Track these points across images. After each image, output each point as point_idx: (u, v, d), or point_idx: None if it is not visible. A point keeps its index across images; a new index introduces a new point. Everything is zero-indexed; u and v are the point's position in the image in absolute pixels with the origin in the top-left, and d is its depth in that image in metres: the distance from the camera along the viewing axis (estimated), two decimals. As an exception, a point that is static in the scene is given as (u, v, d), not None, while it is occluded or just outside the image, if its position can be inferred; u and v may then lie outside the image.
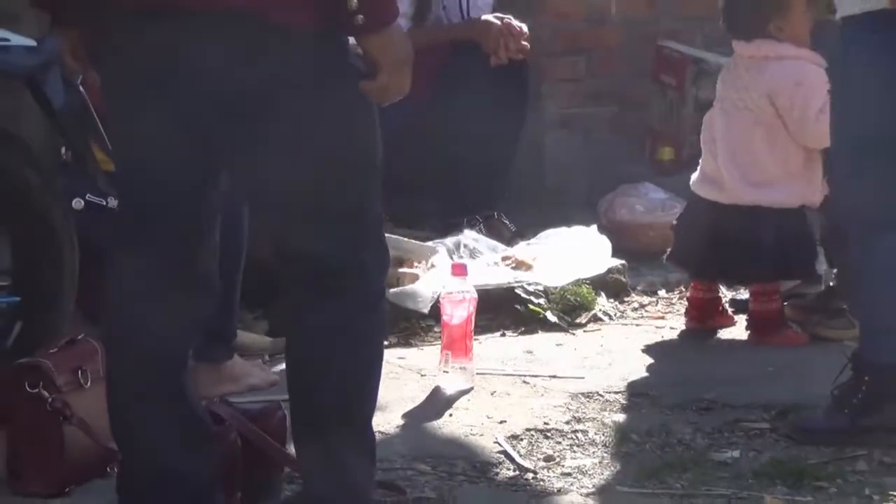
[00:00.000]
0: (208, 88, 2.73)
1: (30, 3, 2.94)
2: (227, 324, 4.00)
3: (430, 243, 4.85)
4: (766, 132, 4.43)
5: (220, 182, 2.96)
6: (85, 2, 2.83)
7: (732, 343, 4.62)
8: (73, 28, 2.94)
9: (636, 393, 4.12)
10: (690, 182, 4.69)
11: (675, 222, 4.80)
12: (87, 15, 2.87)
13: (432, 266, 4.71)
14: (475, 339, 4.25)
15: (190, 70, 2.73)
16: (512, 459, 3.65)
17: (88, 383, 3.45)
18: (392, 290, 4.51)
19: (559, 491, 3.48)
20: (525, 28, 5.19)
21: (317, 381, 2.89)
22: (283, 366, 4.08)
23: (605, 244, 5.07)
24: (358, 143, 2.84)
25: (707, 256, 4.42)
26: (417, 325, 4.57)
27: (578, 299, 4.82)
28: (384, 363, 2.98)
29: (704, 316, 4.59)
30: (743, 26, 4.51)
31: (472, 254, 4.77)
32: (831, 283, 4.66)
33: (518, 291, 4.74)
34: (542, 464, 3.63)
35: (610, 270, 5.00)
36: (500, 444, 3.74)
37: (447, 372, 4.13)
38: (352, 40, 2.77)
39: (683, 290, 5.13)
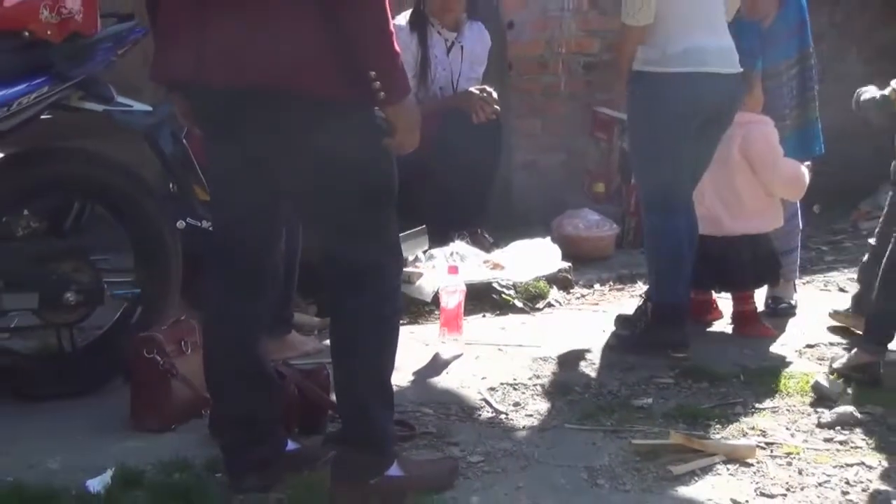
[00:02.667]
0: (277, 146, 2.77)
1: (150, 78, 2.96)
2: (287, 308, 4.01)
3: (431, 251, 4.88)
4: (743, 179, 4.30)
5: (282, 208, 3.00)
6: (186, 79, 2.83)
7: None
8: (181, 96, 2.97)
9: (578, 357, 4.11)
10: None
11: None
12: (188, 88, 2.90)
13: (433, 267, 4.74)
14: (464, 319, 4.26)
15: (263, 132, 2.76)
16: (490, 405, 3.66)
17: (189, 350, 3.48)
18: (404, 284, 4.54)
19: (523, 428, 3.49)
20: (495, 95, 5.19)
21: (353, 350, 2.91)
22: (328, 339, 4.14)
23: (556, 251, 5.05)
24: (379, 181, 2.86)
25: (702, 272, 4.26)
26: (423, 309, 4.55)
27: (537, 290, 4.81)
28: (399, 337, 3.00)
29: (702, 312, 4.50)
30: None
31: (462, 258, 4.76)
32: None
33: (494, 285, 4.73)
34: (511, 408, 3.64)
35: (560, 270, 4.98)
36: (481, 393, 3.75)
37: (444, 343, 4.14)
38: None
39: (612, 285, 5.16)
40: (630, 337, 4.20)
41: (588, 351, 4.18)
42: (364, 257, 2.87)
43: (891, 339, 3.86)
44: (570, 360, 4.04)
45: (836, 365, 3.89)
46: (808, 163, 4.41)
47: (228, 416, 3.04)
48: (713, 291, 4.54)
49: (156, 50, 2.91)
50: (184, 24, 2.78)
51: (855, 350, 3.88)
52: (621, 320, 4.31)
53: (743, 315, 4.44)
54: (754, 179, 4.30)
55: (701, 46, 3.97)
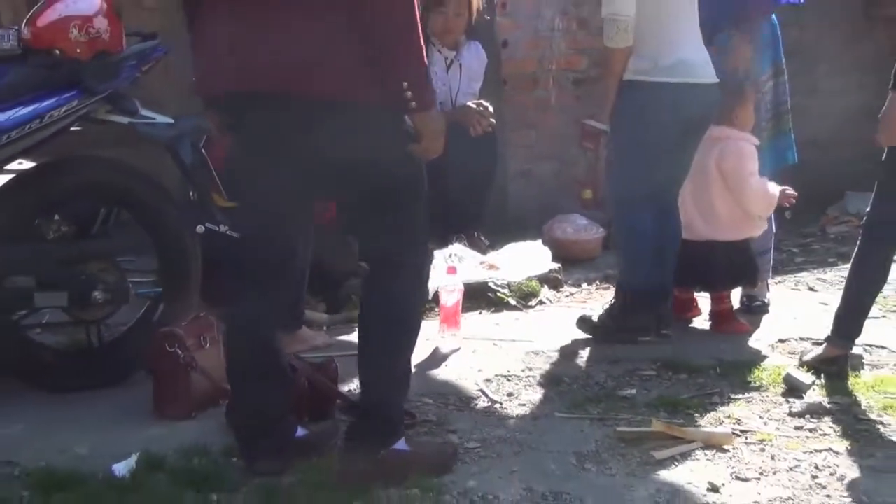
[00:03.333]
0: (316, 150, 2.80)
1: (195, 91, 2.96)
2: (299, 305, 4.00)
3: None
4: (717, 190, 4.28)
5: (310, 211, 3.04)
6: (232, 88, 2.84)
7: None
8: (217, 109, 3.02)
9: (568, 351, 4.11)
10: None
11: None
12: (225, 100, 2.91)
13: (433, 268, 4.71)
14: (462, 316, 4.27)
15: (303, 137, 2.79)
16: (486, 395, 3.65)
17: (207, 345, 3.48)
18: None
19: (517, 416, 3.49)
20: (491, 109, 5.18)
21: (382, 334, 2.95)
22: (337, 335, 4.15)
23: (547, 253, 5.06)
24: (410, 182, 2.93)
25: (684, 273, 4.28)
26: (423, 307, 4.54)
27: (530, 289, 4.81)
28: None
29: (683, 310, 4.48)
30: (717, 116, 4.21)
31: (460, 260, 4.76)
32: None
33: (490, 284, 4.73)
34: (505, 398, 3.64)
35: (550, 270, 4.98)
36: (478, 384, 3.74)
37: (443, 337, 4.15)
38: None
39: (599, 284, 5.16)
40: (602, 326, 4.20)
41: (577, 345, 4.18)
42: (398, 249, 2.93)
43: (858, 334, 3.86)
44: (560, 354, 4.04)
45: (805, 358, 3.88)
46: (786, 188, 4.36)
47: (246, 405, 3.05)
48: (694, 291, 4.54)
49: (197, 64, 2.92)
50: (228, 37, 2.78)
51: (825, 345, 3.88)
52: (582, 320, 4.30)
53: (720, 313, 4.43)
54: (727, 192, 4.29)
55: (689, 59, 4.02)
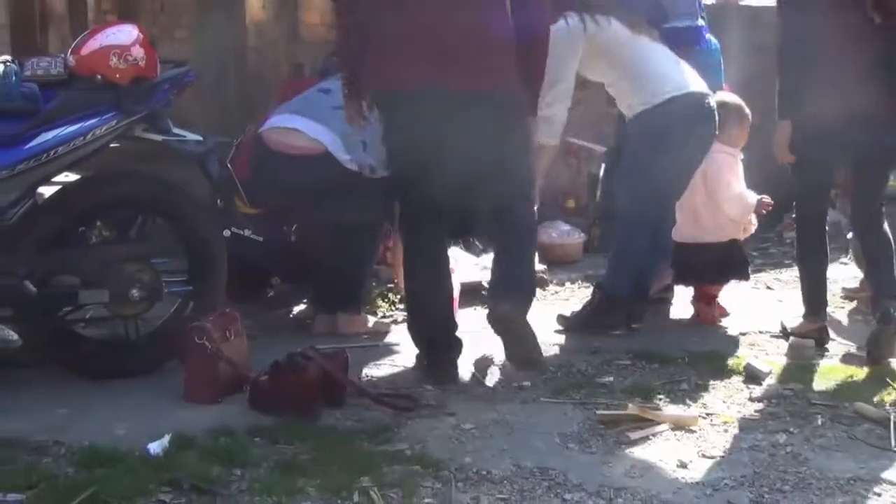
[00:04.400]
0: (479, 137, 3.44)
1: (373, 86, 3.44)
2: (361, 288, 4.17)
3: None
4: (700, 198, 4.29)
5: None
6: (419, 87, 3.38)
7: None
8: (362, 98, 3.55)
9: (552, 342, 4.10)
10: None
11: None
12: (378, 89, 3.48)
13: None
14: (459, 311, 4.21)
15: (472, 127, 3.41)
16: (480, 382, 3.65)
17: (232, 337, 3.48)
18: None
19: (507, 401, 3.48)
20: None
21: (514, 259, 3.66)
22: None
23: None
24: (526, 148, 3.64)
25: (680, 270, 4.36)
26: None
27: (519, 288, 4.80)
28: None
29: (706, 305, 4.44)
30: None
31: (457, 262, 4.75)
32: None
33: (484, 283, 4.66)
34: (498, 384, 3.64)
35: (537, 271, 4.94)
36: (473, 372, 3.73)
37: None
38: None
39: (580, 283, 5.14)
40: (577, 318, 4.20)
41: (560, 337, 4.17)
42: (515, 197, 3.62)
43: (825, 307, 3.98)
44: (545, 345, 4.02)
45: (789, 327, 3.99)
46: (763, 196, 4.38)
47: (439, 319, 3.62)
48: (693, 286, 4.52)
49: (377, 63, 3.39)
50: (415, 41, 3.36)
51: (801, 320, 3.97)
52: (561, 317, 4.29)
53: (706, 306, 4.41)
54: (710, 201, 4.28)
55: (680, 81, 4.07)
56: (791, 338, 3.93)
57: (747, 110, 4.36)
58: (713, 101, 4.13)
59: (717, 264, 4.33)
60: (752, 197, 4.34)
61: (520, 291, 3.64)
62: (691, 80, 4.10)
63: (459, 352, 3.67)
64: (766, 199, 4.37)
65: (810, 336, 3.93)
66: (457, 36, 3.38)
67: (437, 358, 3.64)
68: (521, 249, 3.67)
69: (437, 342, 3.63)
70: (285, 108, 4.09)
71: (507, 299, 3.59)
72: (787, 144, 3.84)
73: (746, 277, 4.49)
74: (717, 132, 4.16)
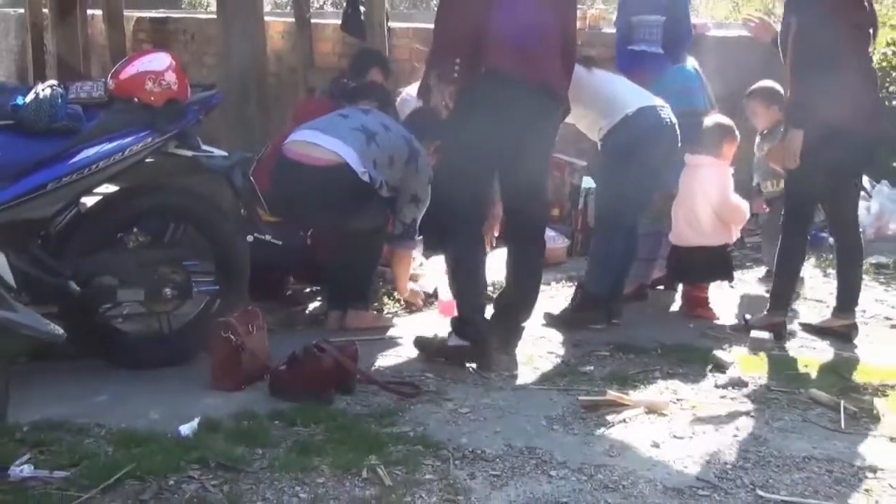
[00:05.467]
0: (520, 123, 3.47)
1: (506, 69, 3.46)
2: (370, 286, 4.15)
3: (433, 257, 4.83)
4: (701, 207, 4.28)
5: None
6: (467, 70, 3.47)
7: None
8: (452, 85, 3.54)
9: (540, 336, 4.06)
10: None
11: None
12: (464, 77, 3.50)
13: (433, 269, 4.65)
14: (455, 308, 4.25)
15: (514, 111, 3.45)
16: (475, 371, 3.61)
17: (254, 331, 3.47)
18: (413, 283, 4.52)
19: (500, 387, 3.48)
20: None
21: (526, 273, 3.75)
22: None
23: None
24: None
25: (675, 271, 4.41)
26: (427, 299, 4.46)
27: (510, 287, 4.77)
28: None
29: (696, 306, 4.40)
30: (706, 148, 4.27)
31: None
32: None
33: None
34: (491, 373, 3.59)
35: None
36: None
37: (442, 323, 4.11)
38: None
39: (564, 283, 5.12)
40: (562, 314, 4.19)
41: (546, 331, 4.13)
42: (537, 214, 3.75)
43: (789, 304, 4.02)
44: (533, 338, 4.02)
45: (751, 321, 3.96)
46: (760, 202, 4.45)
47: (480, 305, 3.63)
48: (686, 285, 4.51)
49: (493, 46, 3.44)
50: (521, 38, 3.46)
51: (765, 313, 3.97)
52: (545, 314, 4.27)
53: (697, 300, 4.39)
54: (710, 208, 4.28)
55: (633, 100, 4.06)
56: (751, 332, 3.93)
57: (736, 131, 4.37)
58: (669, 114, 4.09)
59: (706, 266, 4.34)
60: (746, 205, 4.38)
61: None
62: (644, 98, 4.10)
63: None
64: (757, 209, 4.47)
65: (771, 329, 3.93)
66: (547, 35, 3.52)
67: (479, 340, 3.61)
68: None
69: (481, 324, 3.62)
70: (307, 126, 4.10)
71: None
72: (797, 152, 3.77)
73: (731, 279, 4.49)
74: (679, 143, 4.14)
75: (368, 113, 4.09)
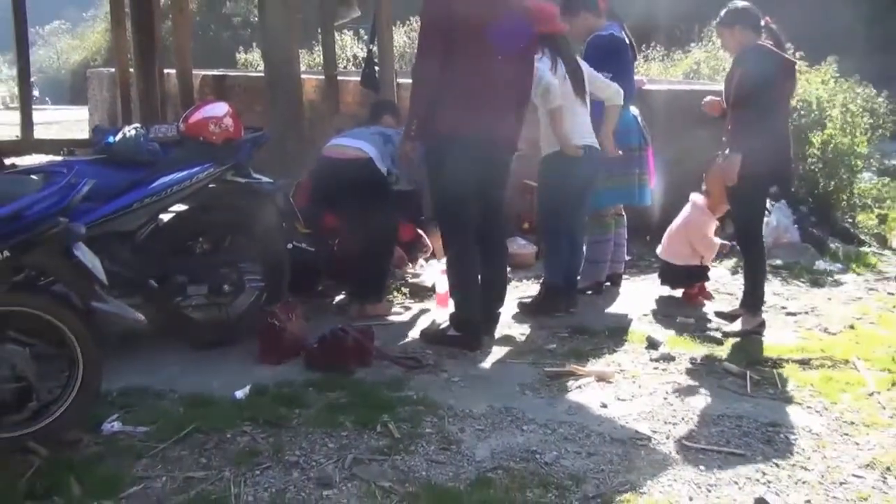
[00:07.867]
0: (478, 171, 3.37)
1: (441, 130, 3.31)
2: (385, 280, 4.10)
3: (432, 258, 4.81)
4: (681, 237, 4.28)
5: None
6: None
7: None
8: (410, 142, 3.40)
9: (513, 321, 4.01)
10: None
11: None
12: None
13: (431, 267, 4.63)
14: (449, 300, 4.21)
15: (470, 165, 3.33)
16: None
17: (293, 318, 3.46)
18: (414, 278, 4.50)
19: (484, 361, 3.46)
20: None
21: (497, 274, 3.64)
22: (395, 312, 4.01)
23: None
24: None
25: (665, 278, 4.38)
26: (426, 293, 4.41)
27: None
28: None
29: (694, 298, 4.36)
30: (709, 199, 4.15)
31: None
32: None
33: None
34: (477, 351, 3.56)
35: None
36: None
37: (438, 311, 4.05)
38: None
39: (532, 281, 5.05)
40: (531, 305, 4.16)
41: (520, 318, 4.09)
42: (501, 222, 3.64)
43: (762, 304, 3.85)
44: (509, 322, 4.00)
45: (730, 332, 3.78)
46: (724, 242, 4.39)
47: (476, 305, 3.48)
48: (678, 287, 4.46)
49: (449, 113, 3.28)
50: (474, 109, 3.30)
51: (742, 318, 3.83)
52: (518, 303, 4.24)
53: (690, 295, 4.36)
54: (688, 241, 4.27)
55: (584, 136, 3.97)
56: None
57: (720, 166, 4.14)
58: (597, 150, 4.01)
59: (686, 275, 4.33)
60: (718, 241, 4.35)
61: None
62: (583, 137, 3.97)
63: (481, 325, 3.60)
64: (727, 243, 4.43)
65: (756, 332, 3.77)
66: (505, 96, 3.36)
67: (472, 333, 3.55)
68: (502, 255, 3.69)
69: (474, 316, 3.53)
70: (338, 136, 4.19)
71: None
72: (736, 172, 3.63)
73: (706, 279, 4.41)
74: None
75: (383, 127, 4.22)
